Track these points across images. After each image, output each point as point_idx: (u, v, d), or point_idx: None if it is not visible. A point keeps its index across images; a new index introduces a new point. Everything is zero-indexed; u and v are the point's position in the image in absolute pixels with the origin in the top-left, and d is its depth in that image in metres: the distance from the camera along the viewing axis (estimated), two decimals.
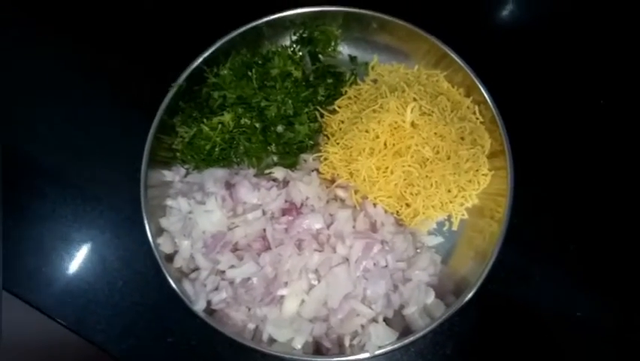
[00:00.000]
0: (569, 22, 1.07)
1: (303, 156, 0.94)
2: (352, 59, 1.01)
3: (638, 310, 0.91)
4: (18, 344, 0.97)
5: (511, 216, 0.85)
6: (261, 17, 0.95)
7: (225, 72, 0.92)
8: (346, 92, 0.97)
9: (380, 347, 0.80)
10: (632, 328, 0.90)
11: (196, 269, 0.87)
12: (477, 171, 0.92)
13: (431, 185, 0.87)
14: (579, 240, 0.94)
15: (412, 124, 0.86)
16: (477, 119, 0.93)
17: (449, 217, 0.93)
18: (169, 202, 0.89)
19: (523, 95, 1.00)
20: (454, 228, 0.93)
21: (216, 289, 0.84)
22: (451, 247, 0.92)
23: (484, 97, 0.91)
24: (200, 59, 0.93)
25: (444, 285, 0.88)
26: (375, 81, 0.99)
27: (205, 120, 0.90)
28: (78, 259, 0.96)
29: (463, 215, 0.93)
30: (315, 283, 0.82)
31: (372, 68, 1.00)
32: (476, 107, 0.94)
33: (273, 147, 0.92)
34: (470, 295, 0.82)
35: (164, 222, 0.88)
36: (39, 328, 0.97)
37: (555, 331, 0.90)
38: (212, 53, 0.94)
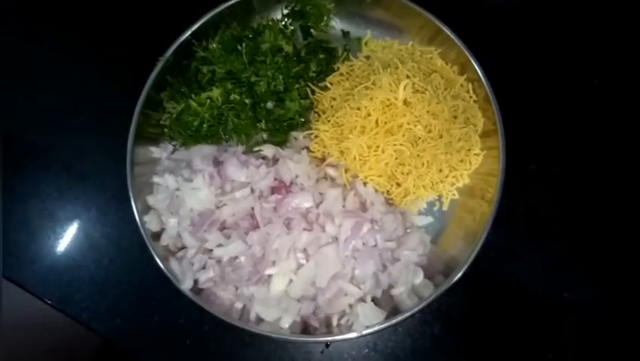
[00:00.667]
0: (565, 1, 1.04)
1: (294, 133, 0.92)
2: (345, 34, 0.98)
3: (625, 291, 0.92)
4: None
5: (502, 197, 0.84)
6: None
7: (214, 46, 0.90)
8: (338, 68, 0.95)
9: (368, 327, 0.79)
10: (619, 308, 0.91)
11: (183, 248, 0.85)
12: (469, 150, 0.90)
13: (422, 164, 0.86)
14: (569, 221, 0.94)
15: (405, 102, 0.84)
16: (470, 97, 0.92)
17: (440, 197, 0.92)
18: (156, 179, 0.87)
19: (518, 74, 0.99)
20: (445, 208, 0.92)
21: (203, 267, 0.83)
22: (441, 227, 0.92)
23: (478, 75, 0.89)
24: (189, 32, 0.90)
25: (433, 265, 0.88)
26: (368, 57, 0.97)
27: (193, 96, 0.88)
28: (64, 237, 0.95)
29: (453, 195, 0.92)
30: (304, 262, 0.81)
31: (366, 43, 0.98)
32: (470, 86, 0.92)
33: (262, 124, 0.90)
34: (459, 275, 0.82)
35: (150, 199, 0.87)
36: (25, 306, 0.95)
37: (543, 311, 0.91)
38: (201, 26, 0.91)
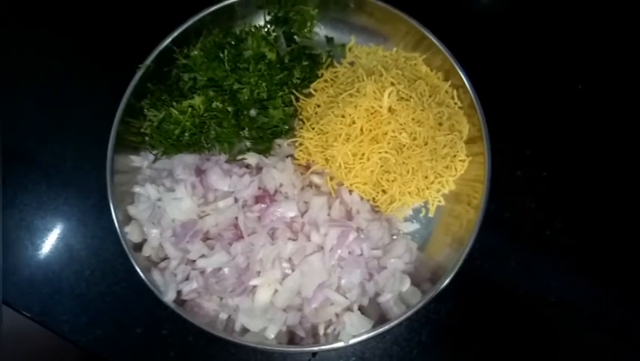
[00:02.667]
0: (549, 7, 1.05)
1: (278, 141, 0.91)
2: (329, 40, 0.97)
3: (613, 293, 0.92)
4: None
5: (488, 202, 0.84)
6: None
7: (196, 53, 0.88)
8: (322, 74, 0.94)
9: (355, 336, 0.79)
10: (608, 311, 0.91)
11: (165, 258, 0.84)
12: (454, 157, 0.90)
13: (408, 171, 0.86)
14: (555, 225, 0.94)
15: (390, 109, 0.83)
16: (455, 103, 0.92)
17: (426, 204, 0.92)
18: (137, 189, 0.85)
19: (502, 80, 0.99)
20: (431, 214, 0.92)
21: (187, 279, 0.81)
22: (427, 234, 0.92)
23: (463, 81, 0.88)
24: (170, 39, 0.89)
25: (420, 272, 0.87)
26: (352, 63, 0.96)
27: (175, 104, 0.86)
28: (43, 248, 0.93)
29: (439, 201, 0.92)
30: (289, 272, 0.80)
31: (350, 49, 0.97)
32: (455, 92, 0.92)
33: (245, 132, 0.89)
34: (446, 282, 0.81)
35: (132, 209, 0.85)
36: (4, 318, 0.93)
37: (531, 316, 0.91)
38: (182, 33, 0.89)
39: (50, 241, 0.93)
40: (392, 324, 0.79)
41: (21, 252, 0.92)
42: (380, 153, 0.83)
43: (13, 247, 0.92)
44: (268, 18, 0.95)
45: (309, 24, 0.96)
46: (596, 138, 0.99)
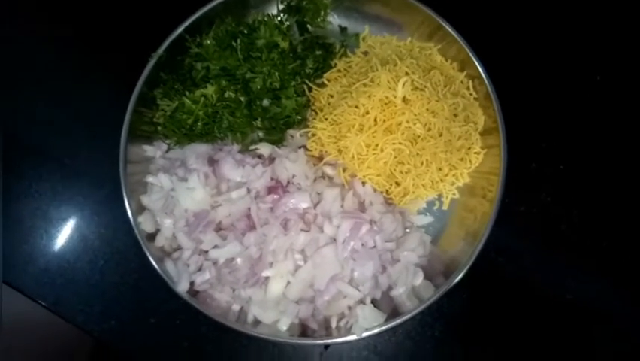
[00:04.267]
0: None
1: (290, 131, 0.90)
2: (342, 29, 0.96)
3: (632, 292, 0.90)
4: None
5: (503, 196, 0.83)
6: None
7: (209, 42, 0.87)
8: (335, 64, 0.93)
9: (367, 329, 0.78)
10: (625, 309, 0.90)
11: (178, 248, 0.84)
12: (469, 149, 0.89)
13: (422, 163, 0.85)
14: (572, 220, 0.92)
15: (404, 99, 0.82)
16: (470, 94, 0.90)
17: (440, 196, 0.91)
18: (150, 179, 0.85)
19: (519, 70, 0.97)
20: (445, 207, 0.91)
21: (199, 269, 0.81)
22: (441, 227, 0.90)
23: (479, 72, 0.87)
24: (182, 28, 0.88)
25: (433, 266, 0.86)
26: (365, 53, 0.94)
27: (187, 93, 0.86)
28: (57, 238, 0.93)
29: (454, 194, 0.90)
30: (302, 263, 0.80)
31: (363, 39, 0.95)
32: (470, 83, 0.90)
33: (258, 122, 0.88)
34: (460, 276, 0.80)
35: (145, 199, 0.85)
36: (19, 307, 0.94)
37: (546, 313, 0.89)
38: (194, 22, 0.89)
39: (65, 230, 0.94)
40: (405, 318, 0.79)
41: (36, 241, 0.93)
42: (394, 143, 0.82)
43: (29, 236, 0.93)
44: (281, 7, 0.94)
45: (322, 13, 0.94)
46: (615, 130, 0.96)
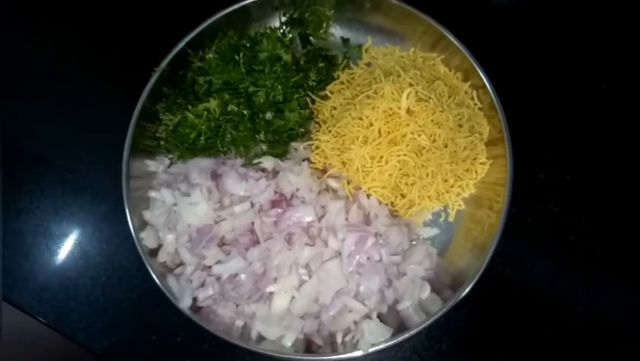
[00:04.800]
0: (571, 5, 1.02)
1: (294, 144, 0.89)
2: (345, 41, 0.96)
3: (638, 303, 0.88)
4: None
5: (510, 206, 0.81)
6: None
7: (211, 56, 0.87)
8: (339, 76, 0.92)
9: (374, 345, 0.77)
10: (635, 318, 0.88)
11: (181, 264, 0.83)
12: (474, 159, 0.88)
13: (427, 175, 0.84)
14: (580, 231, 0.91)
15: (408, 111, 0.81)
16: (475, 105, 0.89)
17: (445, 208, 0.90)
18: (152, 194, 0.84)
19: (523, 80, 0.96)
20: (451, 219, 0.89)
21: (202, 285, 0.80)
22: (447, 239, 0.89)
23: (483, 81, 0.86)
24: (184, 42, 0.88)
25: (440, 279, 0.85)
26: (368, 65, 0.94)
27: (190, 107, 0.85)
28: (59, 254, 0.93)
29: (460, 205, 0.89)
30: (306, 278, 0.79)
31: (366, 50, 0.95)
32: (474, 93, 0.89)
33: (261, 136, 0.87)
34: (468, 289, 0.79)
35: (147, 214, 0.84)
36: (20, 325, 0.93)
37: (555, 324, 0.88)
38: (196, 36, 0.88)
39: (66, 246, 0.93)
40: (412, 333, 0.77)
41: (37, 257, 0.92)
42: (399, 155, 0.81)
43: (30, 253, 0.92)
44: (283, 19, 0.93)
45: (324, 25, 0.94)
46: (622, 139, 0.95)
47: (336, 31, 0.96)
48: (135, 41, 1.00)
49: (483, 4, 1.05)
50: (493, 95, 0.85)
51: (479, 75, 0.87)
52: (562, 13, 1.02)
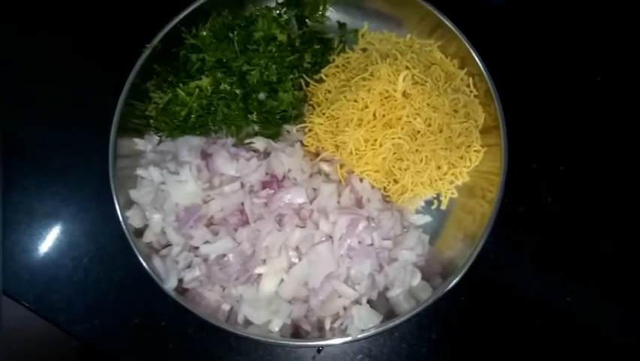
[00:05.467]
0: None
1: (286, 126, 0.88)
2: (341, 25, 0.94)
3: (627, 296, 0.88)
4: None
5: (504, 196, 0.81)
6: None
7: (205, 34, 0.85)
8: (334, 60, 0.91)
9: (363, 331, 0.75)
10: (621, 313, 0.88)
11: (167, 245, 0.81)
12: (469, 147, 0.87)
13: (421, 160, 0.82)
14: (573, 222, 0.90)
15: (404, 94, 0.80)
16: (471, 92, 0.88)
17: (438, 196, 0.89)
18: (140, 172, 0.82)
19: (519, 69, 0.96)
20: (443, 207, 0.88)
21: (189, 266, 0.78)
22: (438, 228, 0.88)
23: (480, 69, 0.86)
24: (178, 19, 0.86)
25: (430, 267, 0.84)
26: (364, 50, 0.93)
27: (181, 85, 0.83)
28: (41, 233, 0.90)
29: (452, 193, 0.88)
30: (296, 261, 0.77)
31: (362, 35, 0.94)
32: (470, 80, 0.89)
33: (254, 116, 0.85)
34: (457, 278, 0.78)
35: (133, 193, 0.82)
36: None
37: (544, 316, 0.87)
38: (190, 14, 0.87)
39: (49, 226, 0.90)
40: (402, 319, 0.76)
41: (18, 237, 0.89)
42: (393, 138, 0.80)
43: (11, 231, 0.89)
44: (280, 0, 0.92)
45: (321, 8, 0.93)
46: (615, 131, 0.95)
47: (333, 15, 0.95)
48: (127, 18, 0.98)
49: None
50: (489, 83, 0.85)
51: (476, 63, 0.86)
52: (559, 5, 1.02)
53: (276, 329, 0.77)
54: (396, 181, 0.84)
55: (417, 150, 0.81)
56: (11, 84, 0.96)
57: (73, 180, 0.92)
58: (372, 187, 0.84)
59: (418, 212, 0.88)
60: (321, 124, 0.85)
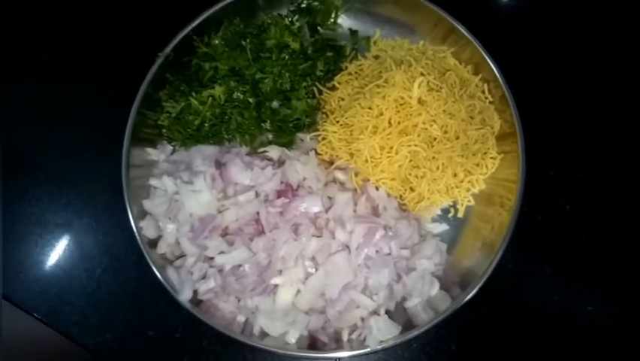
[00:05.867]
0: (584, 1, 1.01)
1: (300, 135, 0.87)
2: (353, 33, 0.94)
3: None
4: None
5: (521, 204, 0.79)
6: None
7: (217, 42, 0.85)
8: (347, 67, 0.90)
9: (382, 342, 0.74)
10: None
11: (182, 256, 0.80)
12: (485, 154, 0.86)
13: (437, 167, 0.81)
14: (592, 230, 0.89)
15: (419, 100, 0.79)
16: (486, 98, 0.87)
17: (455, 204, 0.87)
18: (153, 182, 0.81)
19: (535, 75, 0.95)
20: (460, 215, 0.87)
21: (204, 277, 0.77)
22: (456, 236, 0.87)
23: (495, 75, 0.85)
24: (190, 28, 0.85)
25: (448, 276, 0.82)
26: (377, 57, 0.92)
27: (194, 94, 0.83)
28: (53, 245, 0.89)
29: (469, 201, 0.87)
30: (312, 271, 0.76)
31: (375, 42, 0.93)
32: (485, 86, 0.88)
33: (267, 124, 0.85)
34: (477, 288, 0.76)
35: (147, 204, 0.81)
36: (10, 319, 0.88)
37: (566, 326, 0.85)
38: (202, 22, 0.86)
39: (61, 237, 0.89)
40: (422, 329, 0.74)
41: (30, 248, 0.89)
42: (409, 145, 0.79)
43: (23, 243, 0.89)
44: (291, 8, 0.91)
45: (333, 15, 0.92)
46: (633, 137, 0.94)
47: (344, 22, 0.95)
48: (140, 26, 0.98)
49: None
50: (505, 89, 0.84)
51: (490, 68, 0.85)
52: (574, 10, 1.01)
53: (293, 341, 0.75)
54: (412, 189, 0.83)
55: (433, 158, 0.80)
56: (22, 92, 0.96)
57: (85, 190, 0.91)
58: (389, 195, 0.82)
59: (434, 220, 0.87)
60: (335, 132, 0.84)
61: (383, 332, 0.74)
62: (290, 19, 0.90)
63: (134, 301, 0.85)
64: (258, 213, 0.77)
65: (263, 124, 0.84)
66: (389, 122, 0.80)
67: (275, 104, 0.84)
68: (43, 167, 0.92)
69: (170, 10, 0.93)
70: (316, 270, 0.75)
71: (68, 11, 1.01)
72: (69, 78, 0.97)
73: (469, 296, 0.76)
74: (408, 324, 0.77)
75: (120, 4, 1.01)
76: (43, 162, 0.92)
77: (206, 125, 0.82)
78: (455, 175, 0.84)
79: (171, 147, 0.86)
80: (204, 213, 0.77)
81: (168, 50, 0.84)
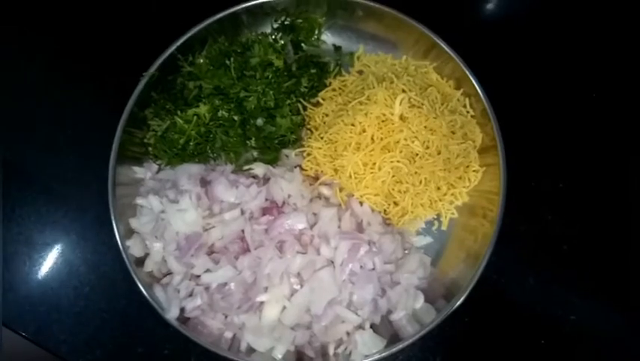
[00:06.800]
0: (563, 14, 1.03)
1: (285, 151, 0.88)
2: (337, 48, 0.95)
3: (633, 314, 0.88)
4: None
5: (504, 215, 0.80)
6: (239, 3, 0.88)
7: (201, 61, 0.86)
8: (330, 83, 0.92)
9: (367, 356, 0.75)
10: (628, 332, 0.87)
11: (168, 274, 0.80)
12: (467, 167, 0.87)
13: (420, 182, 0.83)
14: (574, 239, 0.90)
15: (401, 117, 0.81)
16: (467, 112, 0.89)
17: (438, 217, 0.89)
18: (139, 201, 0.82)
19: (515, 88, 0.96)
20: (444, 227, 0.88)
21: (190, 295, 0.78)
22: (440, 248, 0.88)
23: (476, 89, 0.86)
24: (174, 47, 0.86)
25: (433, 288, 0.84)
26: (360, 72, 0.93)
27: (179, 112, 0.84)
28: (41, 263, 0.89)
29: (452, 214, 0.88)
30: (298, 287, 0.77)
31: (358, 58, 0.95)
32: (467, 100, 0.89)
33: (252, 142, 0.86)
34: (462, 299, 0.77)
35: (134, 222, 0.81)
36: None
37: (550, 335, 0.86)
38: (186, 41, 0.87)
39: (49, 256, 0.90)
40: (406, 343, 0.75)
41: (18, 267, 0.89)
42: (392, 162, 0.80)
43: (11, 262, 0.89)
44: (275, 25, 0.92)
45: (316, 32, 0.94)
46: (613, 148, 0.95)
47: (328, 39, 0.96)
48: (124, 46, 0.98)
49: (475, 12, 1.05)
50: (485, 103, 0.85)
51: (472, 83, 0.86)
52: (553, 23, 1.02)
53: (280, 356, 0.76)
54: (396, 204, 0.84)
55: (416, 173, 0.81)
56: (7, 113, 0.96)
57: (72, 209, 0.92)
58: (373, 211, 0.83)
59: (418, 233, 0.88)
60: (320, 148, 0.85)
61: (368, 346, 0.75)
62: (274, 36, 0.92)
63: (122, 318, 0.86)
64: (243, 231, 0.78)
65: (248, 141, 0.85)
66: (372, 139, 0.81)
67: (259, 121, 0.85)
68: (30, 186, 0.92)
69: (155, 29, 0.94)
70: (301, 286, 0.76)
71: (55, 31, 1.02)
72: (56, 97, 0.97)
73: (454, 308, 0.77)
74: (394, 337, 0.78)
75: (105, 24, 1.01)
76: (30, 182, 0.93)
77: (191, 143, 0.83)
78: (438, 189, 0.85)
79: (157, 166, 0.87)
80: (190, 232, 0.78)
81: (153, 69, 0.85)
